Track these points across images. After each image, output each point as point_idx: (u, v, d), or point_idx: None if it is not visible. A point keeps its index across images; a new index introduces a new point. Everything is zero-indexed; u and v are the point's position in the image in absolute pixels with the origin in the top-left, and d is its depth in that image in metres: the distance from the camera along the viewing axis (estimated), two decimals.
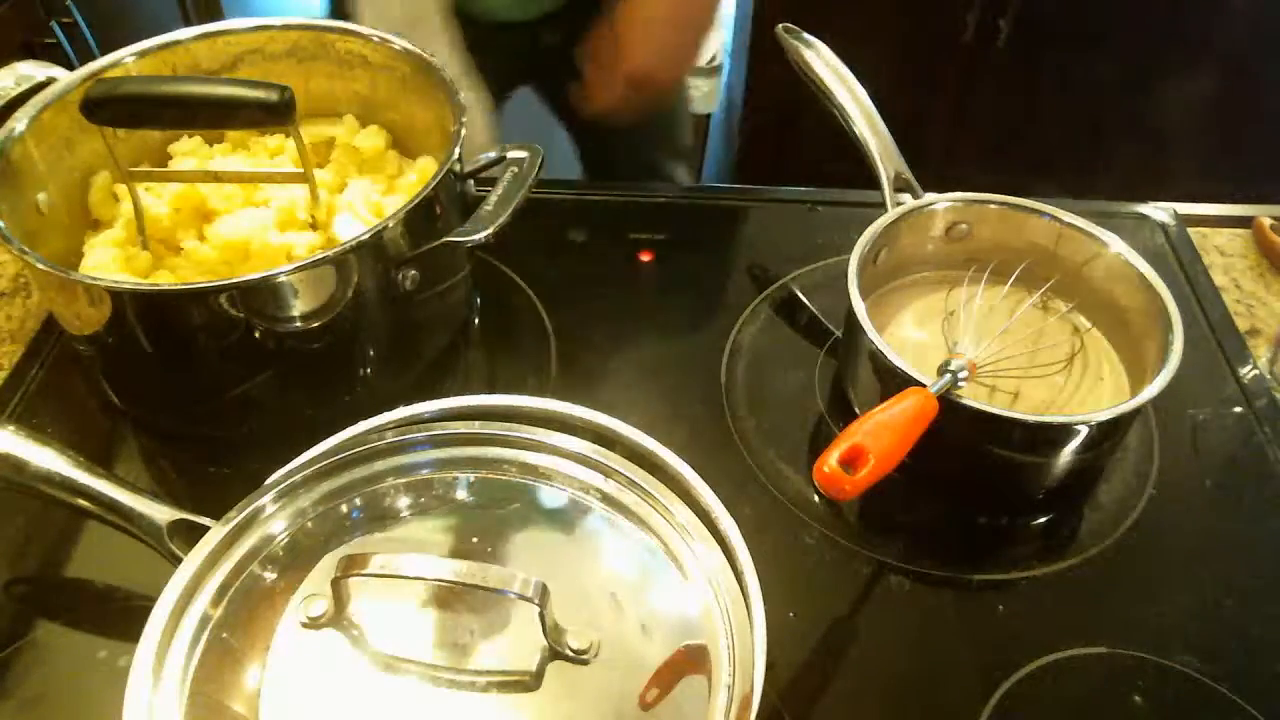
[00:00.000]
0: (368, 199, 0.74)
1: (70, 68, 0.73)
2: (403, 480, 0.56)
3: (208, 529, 0.52)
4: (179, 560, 0.51)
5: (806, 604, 0.63)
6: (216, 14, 2.02)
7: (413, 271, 0.66)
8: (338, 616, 0.49)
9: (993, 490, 0.70)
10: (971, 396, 0.63)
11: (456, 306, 0.77)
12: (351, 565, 0.47)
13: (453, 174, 0.69)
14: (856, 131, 0.78)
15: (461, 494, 0.56)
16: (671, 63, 0.99)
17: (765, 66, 1.93)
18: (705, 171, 2.22)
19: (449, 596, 0.49)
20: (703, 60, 2.03)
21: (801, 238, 0.89)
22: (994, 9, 1.79)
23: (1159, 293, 0.69)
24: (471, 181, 0.74)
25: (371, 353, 0.70)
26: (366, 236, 0.62)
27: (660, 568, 0.52)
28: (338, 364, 0.69)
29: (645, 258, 0.87)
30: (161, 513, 0.55)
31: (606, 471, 0.56)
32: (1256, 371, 0.78)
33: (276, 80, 0.65)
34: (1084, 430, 0.64)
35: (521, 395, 0.60)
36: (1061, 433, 0.64)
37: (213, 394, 0.68)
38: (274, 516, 0.53)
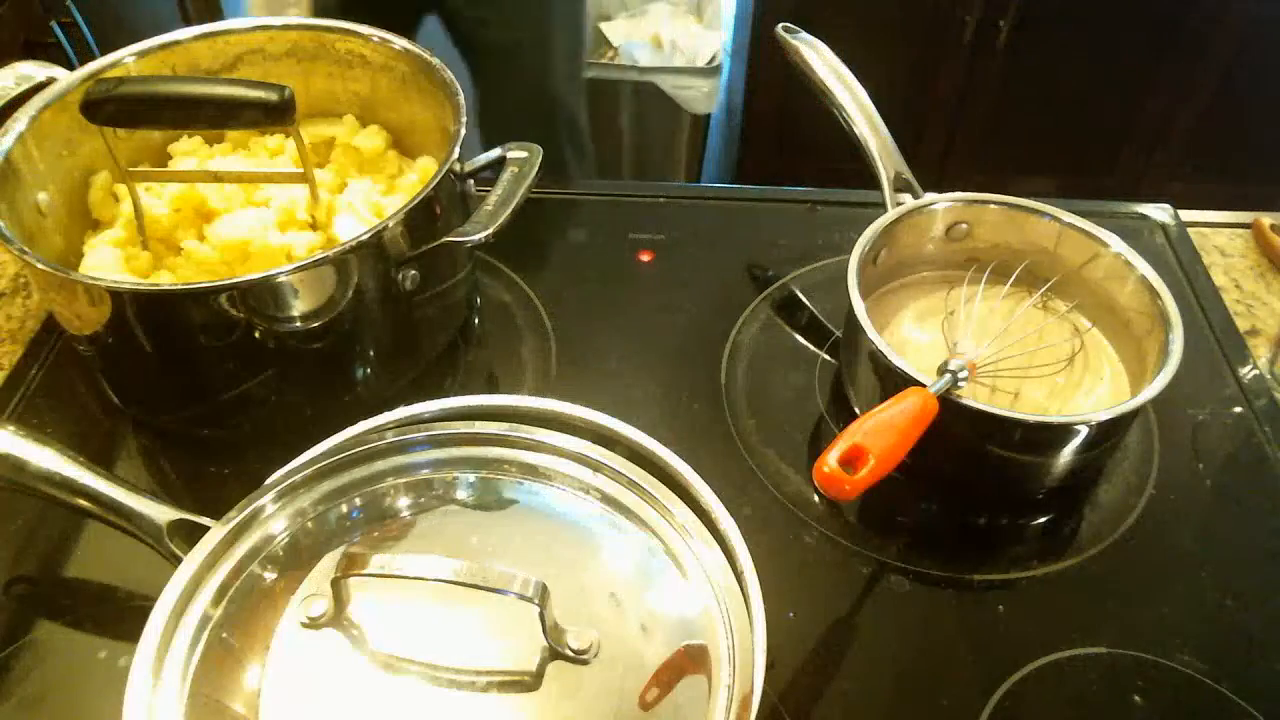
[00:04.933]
0: (368, 199, 0.75)
1: (70, 68, 0.73)
2: (403, 480, 0.56)
3: (208, 529, 0.52)
4: (179, 560, 0.51)
5: (806, 604, 0.63)
6: (216, 14, 2.02)
7: (413, 271, 0.66)
8: (338, 616, 0.49)
9: (993, 490, 0.70)
10: (971, 396, 0.63)
11: (456, 306, 0.77)
12: (351, 565, 0.47)
13: (453, 174, 0.69)
14: (856, 131, 0.78)
15: (461, 494, 0.56)
16: None
17: (765, 66, 1.93)
18: (705, 171, 2.22)
19: (449, 596, 0.49)
20: (702, 60, 2.03)
21: (801, 238, 0.89)
22: (994, 9, 1.79)
23: (1159, 293, 0.69)
24: (471, 181, 0.74)
25: (371, 353, 0.70)
26: (366, 236, 0.62)
27: (660, 568, 0.52)
28: (338, 364, 0.69)
29: (645, 258, 0.87)
30: (161, 513, 0.55)
31: (606, 471, 0.56)
32: (1256, 371, 0.78)
33: (276, 80, 0.65)
34: (1084, 430, 0.64)
35: (521, 395, 0.60)
36: (1061, 433, 0.64)
37: (213, 394, 0.68)
38: (274, 516, 0.53)
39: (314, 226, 0.72)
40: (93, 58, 0.75)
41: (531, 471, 0.56)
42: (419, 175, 0.78)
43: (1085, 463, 0.68)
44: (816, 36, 0.81)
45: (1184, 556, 0.67)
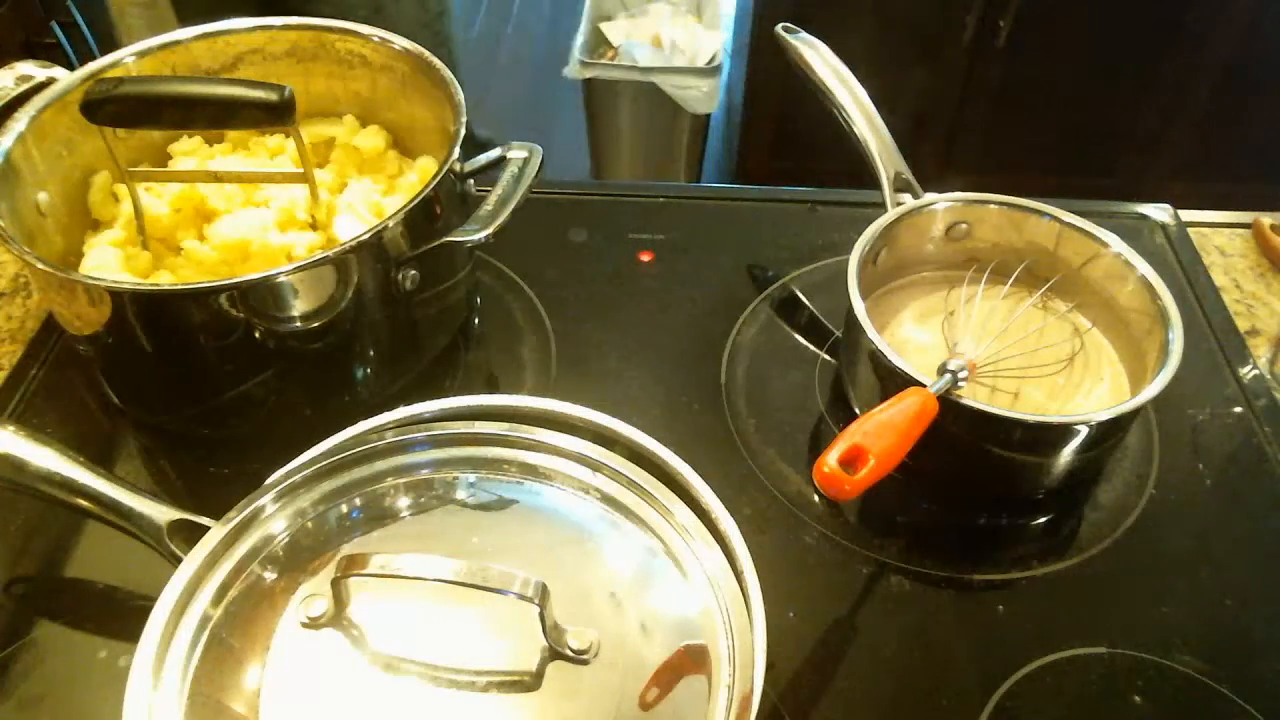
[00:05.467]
0: (368, 199, 0.75)
1: (70, 68, 0.73)
2: (403, 480, 0.56)
3: (208, 529, 0.52)
4: (179, 560, 0.51)
5: (806, 604, 0.63)
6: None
7: (413, 271, 0.66)
8: (338, 616, 0.49)
9: (993, 490, 0.70)
10: (971, 396, 0.63)
11: (456, 306, 0.77)
12: (351, 565, 0.47)
13: (453, 174, 0.69)
14: (856, 131, 0.78)
15: (461, 494, 0.56)
16: None
17: (765, 66, 1.93)
18: (705, 171, 2.22)
19: (449, 596, 0.49)
20: (702, 60, 2.03)
21: (801, 238, 0.89)
22: (994, 9, 1.79)
23: (1159, 293, 0.69)
24: (471, 181, 0.74)
25: (371, 353, 0.70)
26: (366, 236, 0.62)
27: (660, 568, 0.52)
28: (338, 364, 0.69)
29: (645, 258, 0.87)
30: (161, 513, 0.55)
31: (606, 471, 0.56)
32: (1256, 371, 0.78)
33: (276, 80, 0.65)
34: (1084, 430, 0.64)
35: (521, 395, 0.60)
36: (1061, 433, 0.64)
37: (213, 394, 0.68)
38: (274, 516, 0.53)
39: (314, 226, 0.72)
40: (93, 58, 0.75)
41: (531, 471, 0.56)
42: (419, 175, 0.78)
43: (1085, 463, 0.68)
44: (816, 36, 0.81)
45: (1184, 556, 0.67)
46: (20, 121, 0.68)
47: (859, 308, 0.67)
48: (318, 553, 0.52)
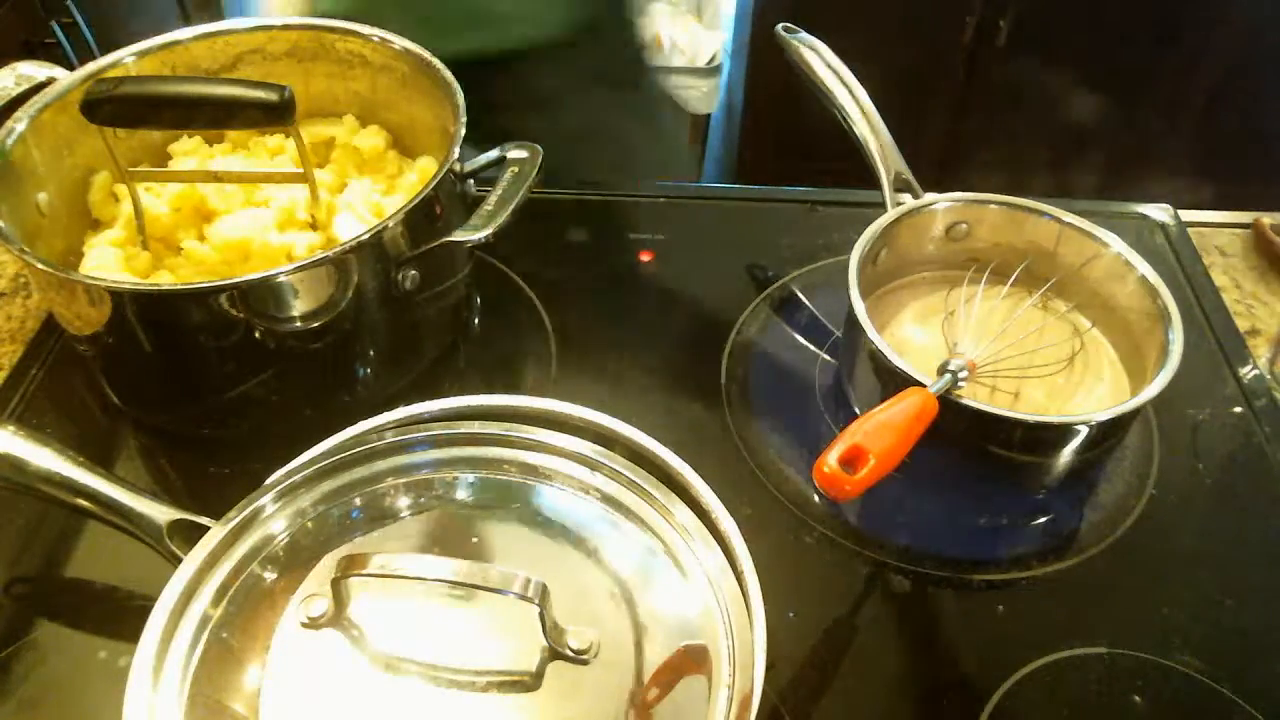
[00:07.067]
0: (368, 199, 0.75)
1: (70, 68, 0.73)
2: (403, 480, 0.56)
3: (208, 529, 0.52)
4: (179, 560, 0.51)
5: (806, 604, 0.63)
6: (216, 14, 2.02)
7: (413, 271, 0.66)
8: (338, 616, 0.49)
9: (993, 490, 0.70)
10: (971, 396, 0.63)
11: (456, 306, 0.77)
12: (351, 565, 0.47)
13: (453, 174, 0.69)
14: (856, 131, 0.78)
15: (461, 494, 0.56)
16: None
17: (765, 66, 1.93)
18: (705, 171, 2.22)
19: (449, 596, 0.49)
20: (702, 60, 2.03)
21: (801, 238, 0.89)
22: (994, 9, 1.79)
23: (1159, 293, 0.69)
24: (471, 181, 0.74)
25: (371, 353, 0.70)
26: (366, 236, 0.62)
27: (660, 568, 0.52)
28: (338, 364, 0.69)
29: (645, 258, 0.87)
30: (161, 513, 0.55)
31: (606, 471, 0.56)
32: (1256, 371, 0.78)
33: (276, 80, 0.65)
34: (1084, 430, 0.64)
35: (521, 395, 0.60)
36: (1061, 433, 0.64)
37: (213, 394, 0.68)
38: (274, 516, 0.53)
39: (314, 226, 0.72)
40: (93, 58, 0.75)
41: (531, 471, 0.56)
42: (419, 175, 0.78)
43: (1085, 463, 0.68)
44: (816, 36, 0.81)
45: (1184, 556, 0.67)
46: (20, 121, 0.69)
47: (859, 308, 0.67)
48: (318, 553, 0.52)
